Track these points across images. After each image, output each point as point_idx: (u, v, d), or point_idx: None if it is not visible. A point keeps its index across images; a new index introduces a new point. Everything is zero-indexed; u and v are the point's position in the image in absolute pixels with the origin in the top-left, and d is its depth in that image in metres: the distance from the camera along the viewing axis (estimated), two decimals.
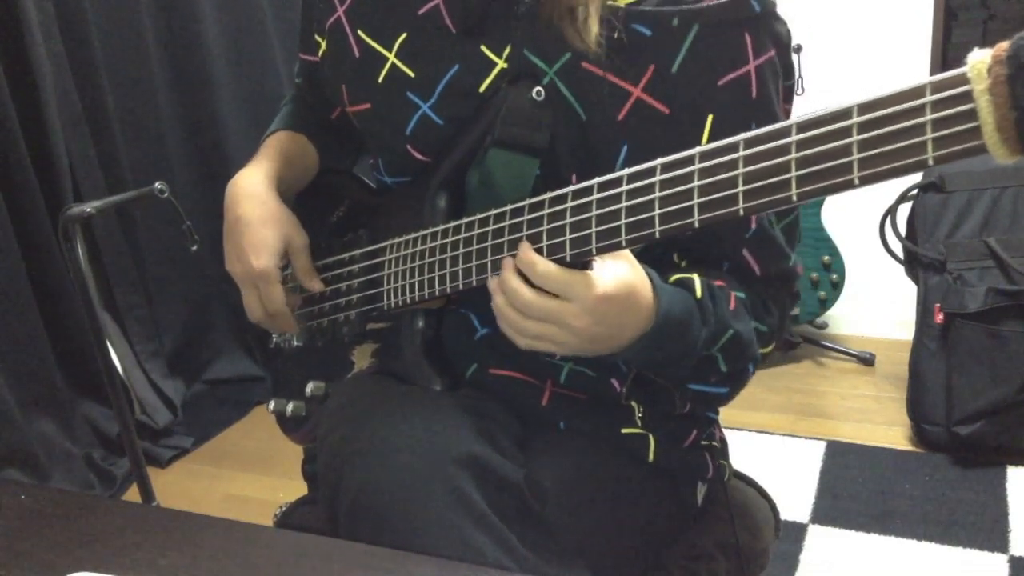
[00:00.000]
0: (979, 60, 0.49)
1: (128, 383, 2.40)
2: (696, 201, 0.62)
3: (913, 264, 2.21)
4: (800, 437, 2.26)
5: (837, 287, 2.57)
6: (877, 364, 2.63)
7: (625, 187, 0.67)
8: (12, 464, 2.05)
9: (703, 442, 0.95)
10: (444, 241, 0.82)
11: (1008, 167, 2.13)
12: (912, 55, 2.59)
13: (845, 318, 2.84)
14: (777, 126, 0.58)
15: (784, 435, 2.27)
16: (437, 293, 0.83)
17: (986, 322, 2.02)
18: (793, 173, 0.57)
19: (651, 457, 0.89)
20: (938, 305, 2.10)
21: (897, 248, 2.23)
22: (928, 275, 2.16)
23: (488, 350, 0.90)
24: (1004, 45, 0.48)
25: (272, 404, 1.05)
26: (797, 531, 1.87)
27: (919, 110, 0.51)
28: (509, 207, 0.76)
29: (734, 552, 0.96)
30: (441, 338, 0.90)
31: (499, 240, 0.76)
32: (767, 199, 0.59)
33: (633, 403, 0.89)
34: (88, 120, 2.28)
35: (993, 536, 1.80)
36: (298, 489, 1.07)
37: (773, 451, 2.21)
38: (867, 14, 2.61)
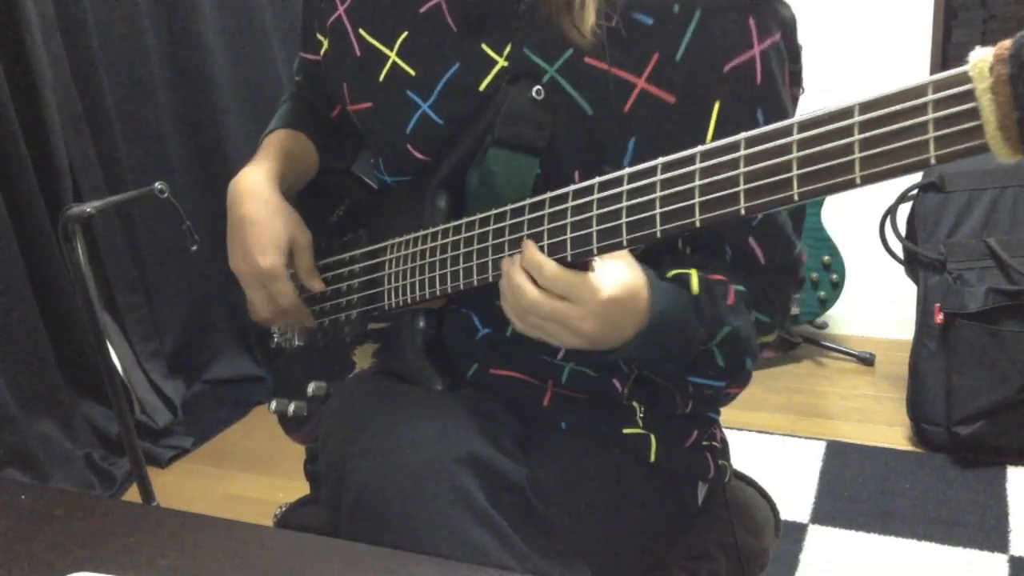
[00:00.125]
0: (981, 59, 0.48)
1: (128, 383, 2.40)
2: (697, 200, 0.62)
3: (913, 264, 2.21)
4: (800, 437, 2.26)
5: (837, 287, 2.57)
6: (877, 364, 2.63)
7: (626, 187, 0.67)
8: (12, 464, 2.05)
9: (704, 442, 0.95)
10: (444, 241, 0.82)
11: (1008, 167, 2.13)
12: (912, 55, 2.59)
13: (845, 318, 2.84)
14: (778, 125, 0.58)
15: (784, 435, 2.27)
16: (438, 293, 0.83)
17: (986, 322, 2.01)
18: (794, 172, 0.57)
19: (652, 457, 0.89)
20: (938, 305, 2.10)
21: (897, 248, 2.23)
22: (928, 275, 2.16)
23: (489, 350, 0.90)
24: (1006, 43, 0.48)
25: (274, 404, 1.05)
26: (797, 531, 1.86)
27: (921, 109, 0.51)
28: (509, 207, 0.76)
29: (734, 552, 0.96)
30: (442, 338, 0.90)
31: (499, 240, 0.76)
32: (768, 198, 0.59)
33: (635, 403, 0.89)
34: (88, 120, 2.27)
35: (993, 536, 1.80)
36: (298, 489, 1.07)
37: (773, 451, 2.21)
38: (867, 14, 2.61)
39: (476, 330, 0.91)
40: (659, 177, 0.65)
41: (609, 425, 0.88)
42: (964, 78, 0.49)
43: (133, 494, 2.09)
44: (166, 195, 1.38)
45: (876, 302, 2.79)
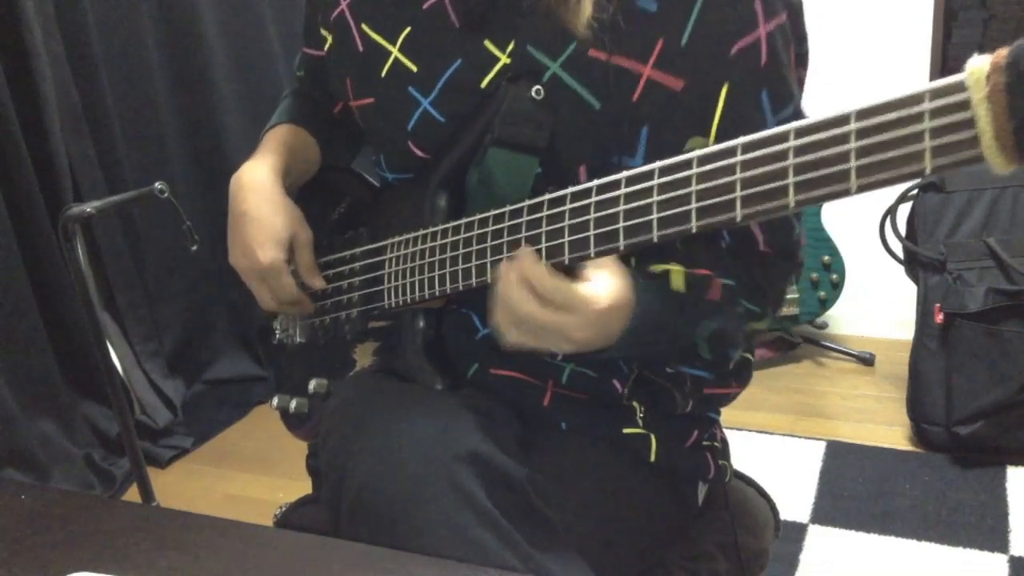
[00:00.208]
0: (978, 67, 0.48)
1: (128, 383, 2.40)
2: (694, 206, 0.62)
3: (913, 264, 2.21)
4: (800, 437, 2.26)
5: (837, 287, 2.57)
6: (877, 364, 2.63)
7: (623, 190, 0.67)
8: (12, 464, 2.05)
9: (704, 442, 0.95)
10: (444, 241, 0.83)
11: None
12: (912, 55, 2.59)
13: (845, 318, 2.84)
14: (775, 130, 0.58)
15: (784, 435, 2.27)
16: (437, 293, 0.83)
17: (986, 322, 2.01)
18: (791, 179, 0.57)
19: (652, 457, 0.89)
20: (938, 305, 2.10)
21: (897, 248, 2.23)
22: (928, 275, 2.16)
23: (490, 350, 0.90)
24: (1003, 52, 0.47)
25: (275, 400, 1.05)
26: (797, 531, 1.87)
27: (917, 117, 0.50)
28: (508, 208, 0.76)
29: (734, 552, 0.96)
30: (442, 338, 0.90)
31: (499, 241, 0.76)
32: (765, 206, 0.58)
33: (635, 403, 0.89)
34: (88, 120, 2.27)
35: (993, 536, 1.80)
36: (298, 489, 1.07)
37: (773, 451, 2.21)
38: (867, 14, 2.61)
39: (476, 330, 0.91)
40: (656, 181, 0.65)
41: (609, 425, 0.88)
42: (961, 86, 0.49)
43: (133, 494, 2.09)
44: (166, 195, 1.38)
45: (876, 302, 2.79)
